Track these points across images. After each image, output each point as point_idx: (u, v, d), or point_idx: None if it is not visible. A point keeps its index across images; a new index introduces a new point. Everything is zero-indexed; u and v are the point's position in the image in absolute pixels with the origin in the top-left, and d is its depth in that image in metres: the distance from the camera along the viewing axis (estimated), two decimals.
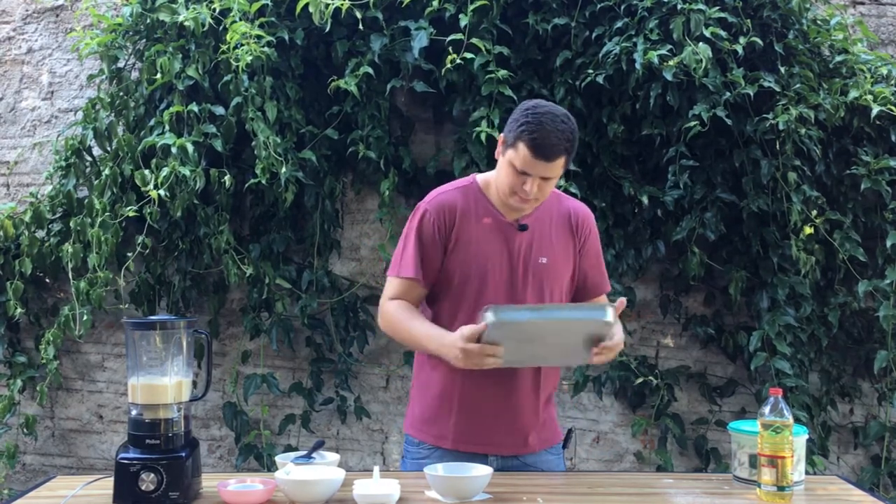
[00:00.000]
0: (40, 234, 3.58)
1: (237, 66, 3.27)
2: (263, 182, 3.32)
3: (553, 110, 2.17)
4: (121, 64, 3.62)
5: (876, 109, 3.25)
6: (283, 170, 3.32)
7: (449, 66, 3.28)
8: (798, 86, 3.32)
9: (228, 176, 3.37)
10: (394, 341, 3.64)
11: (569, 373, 3.61)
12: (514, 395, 2.27)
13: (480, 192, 2.31)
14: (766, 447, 1.98)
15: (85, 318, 3.39)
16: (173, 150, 3.27)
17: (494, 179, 2.28)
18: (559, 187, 3.36)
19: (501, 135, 2.22)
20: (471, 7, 3.30)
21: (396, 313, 2.27)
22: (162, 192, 3.25)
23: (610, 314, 2.05)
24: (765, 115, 3.30)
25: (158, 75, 3.38)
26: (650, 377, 3.48)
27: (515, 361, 2.16)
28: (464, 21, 3.29)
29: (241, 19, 3.31)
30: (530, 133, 2.12)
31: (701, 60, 3.18)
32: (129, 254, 3.45)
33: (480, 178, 2.35)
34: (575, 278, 2.36)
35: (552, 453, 2.37)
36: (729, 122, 3.29)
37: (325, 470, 2.06)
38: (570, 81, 3.43)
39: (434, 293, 2.32)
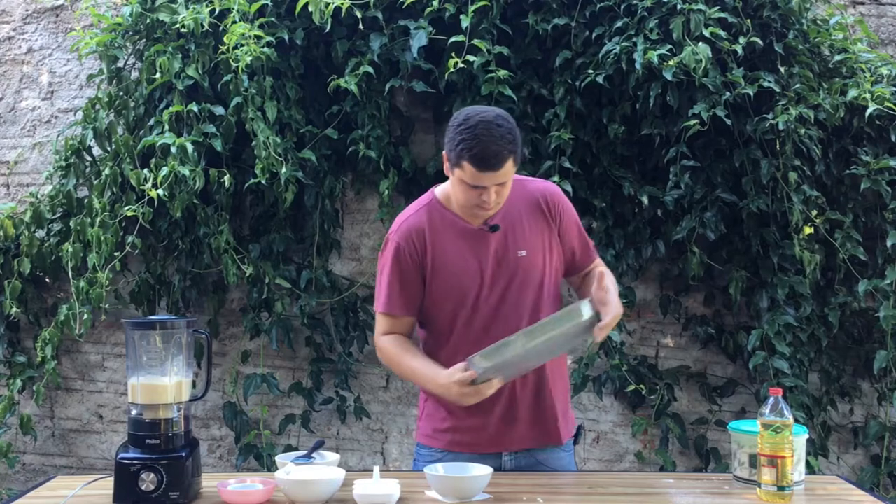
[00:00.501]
0: (40, 233, 3.58)
1: (237, 66, 3.27)
2: (263, 182, 3.32)
3: (485, 116, 2.11)
4: (120, 64, 3.62)
5: (871, 108, 3.24)
6: (283, 170, 3.32)
7: (451, 69, 3.28)
8: (798, 86, 3.32)
9: (228, 176, 3.37)
10: None
11: (568, 373, 3.61)
12: (530, 389, 2.27)
13: (442, 206, 2.29)
14: (766, 447, 1.98)
15: (85, 317, 3.39)
16: (173, 149, 3.27)
17: (452, 193, 2.25)
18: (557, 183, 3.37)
19: (444, 152, 2.19)
20: (471, 7, 3.30)
21: (391, 350, 2.29)
22: (161, 191, 3.25)
23: (586, 310, 2.04)
24: (765, 115, 3.30)
25: (158, 75, 3.38)
26: (641, 385, 3.47)
27: (517, 375, 2.19)
28: (465, 22, 3.29)
29: (240, 19, 3.31)
30: (470, 150, 2.08)
31: (701, 60, 3.18)
32: (125, 255, 3.44)
33: (439, 191, 2.32)
34: (561, 258, 2.34)
35: (565, 450, 2.37)
36: (729, 122, 3.28)
37: (325, 470, 2.06)
38: (570, 81, 3.43)
39: (426, 315, 2.31)
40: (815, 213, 3.37)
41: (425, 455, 2.34)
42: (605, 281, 2.14)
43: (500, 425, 2.27)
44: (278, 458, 2.25)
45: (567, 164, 3.39)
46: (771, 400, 1.99)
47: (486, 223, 2.25)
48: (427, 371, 2.21)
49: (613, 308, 2.10)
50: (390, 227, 2.33)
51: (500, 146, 2.08)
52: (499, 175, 2.11)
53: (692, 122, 3.24)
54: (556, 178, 3.37)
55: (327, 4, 3.30)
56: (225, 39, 3.28)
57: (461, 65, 3.27)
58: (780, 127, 3.24)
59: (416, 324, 2.34)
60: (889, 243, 3.33)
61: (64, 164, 3.55)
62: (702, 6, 3.27)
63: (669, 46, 3.26)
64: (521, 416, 2.27)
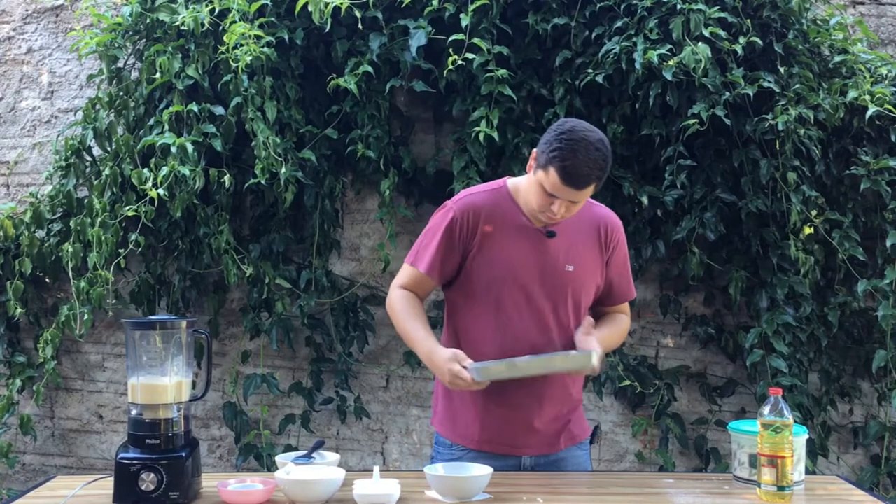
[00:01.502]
0: (40, 234, 3.58)
1: (237, 66, 3.27)
2: (263, 182, 3.32)
3: (588, 136, 2.13)
4: (120, 64, 3.62)
5: (872, 110, 3.25)
6: (283, 170, 3.32)
7: (450, 67, 3.28)
8: (798, 86, 3.32)
9: (228, 176, 3.37)
10: (394, 341, 3.65)
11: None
12: (542, 395, 2.28)
13: (510, 196, 2.31)
14: (766, 447, 1.98)
15: (85, 317, 3.39)
16: (173, 149, 3.27)
17: (524, 190, 2.27)
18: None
19: (535, 150, 2.21)
20: (471, 7, 3.30)
21: (401, 304, 2.32)
22: (161, 191, 3.25)
23: (595, 360, 2.14)
24: (764, 116, 3.30)
25: (158, 75, 3.38)
26: (635, 383, 3.47)
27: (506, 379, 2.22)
28: (465, 21, 3.29)
29: (240, 19, 3.31)
30: (562, 160, 2.10)
31: (700, 60, 3.18)
32: (125, 253, 3.44)
33: (511, 182, 2.35)
34: (601, 287, 2.37)
35: (581, 449, 2.38)
36: (728, 122, 3.29)
37: (325, 470, 2.06)
38: (569, 81, 3.43)
39: (456, 293, 2.34)
40: (814, 213, 3.37)
41: (445, 453, 2.34)
42: (608, 327, 2.32)
43: (522, 426, 2.28)
44: (278, 458, 2.25)
45: None
46: (771, 400, 1.99)
47: (545, 227, 2.27)
48: (427, 343, 2.23)
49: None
50: (454, 196, 2.37)
51: (591, 169, 2.11)
52: (579, 194, 2.15)
53: (691, 121, 3.24)
54: None
55: (327, 4, 3.30)
56: (225, 39, 3.28)
57: (460, 62, 3.27)
58: (780, 127, 3.24)
59: (431, 291, 2.39)
60: (889, 243, 3.33)
61: (64, 164, 3.55)
62: (702, 6, 3.27)
63: (669, 46, 3.26)
64: (539, 420, 2.29)
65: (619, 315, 2.46)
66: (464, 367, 2.13)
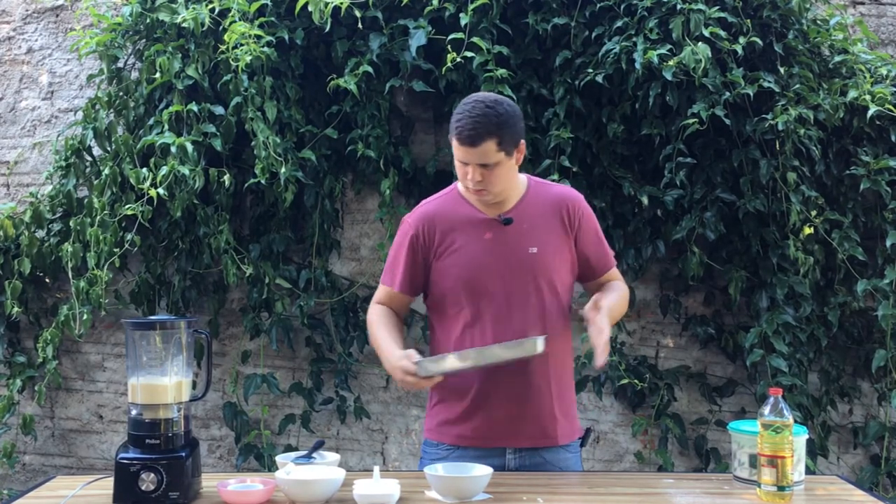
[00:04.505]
0: (40, 233, 3.58)
1: (237, 66, 3.27)
2: (263, 182, 3.32)
3: (482, 98, 2.23)
4: (120, 64, 3.62)
5: (873, 110, 3.25)
6: (283, 170, 3.32)
7: (449, 65, 3.28)
8: (798, 86, 3.32)
9: (228, 176, 3.37)
10: None
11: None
12: (530, 386, 2.28)
13: (460, 195, 2.37)
14: (766, 447, 1.98)
15: (85, 317, 3.39)
16: (172, 149, 3.27)
17: None
18: (555, 182, 3.37)
19: None
20: (470, 6, 3.30)
21: (373, 317, 2.41)
22: (161, 191, 3.25)
23: (540, 346, 2.15)
24: (764, 116, 3.30)
25: (158, 75, 3.38)
26: (640, 383, 3.46)
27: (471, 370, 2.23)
28: (464, 20, 3.29)
29: (240, 19, 3.31)
30: (456, 122, 2.21)
31: (700, 60, 3.18)
32: (124, 253, 3.44)
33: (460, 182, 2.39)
34: (575, 264, 2.38)
35: (570, 451, 2.37)
36: (728, 122, 3.29)
37: (325, 470, 2.06)
38: (569, 81, 3.43)
39: (433, 301, 2.39)
40: (814, 213, 3.37)
41: (431, 453, 2.36)
42: (604, 301, 2.23)
43: (504, 420, 2.28)
44: (278, 458, 2.25)
45: (566, 164, 3.39)
46: (771, 400, 1.99)
47: (499, 215, 2.30)
48: (386, 346, 2.30)
49: (605, 336, 2.18)
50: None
51: (480, 124, 2.17)
52: (477, 153, 2.19)
53: (691, 121, 3.24)
54: (555, 178, 3.37)
55: (326, 4, 3.30)
56: (225, 39, 3.28)
57: (459, 60, 3.27)
58: (780, 127, 3.24)
59: (408, 305, 2.46)
60: (888, 243, 3.33)
61: (64, 164, 3.55)
62: (702, 6, 3.27)
63: (669, 46, 3.26)
64: (524, 413, 2.28)
65: (612, 283, 2.46)
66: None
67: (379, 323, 2.38)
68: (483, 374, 2.26)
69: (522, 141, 2.28)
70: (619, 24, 3.36)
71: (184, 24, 3.35)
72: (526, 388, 2.28)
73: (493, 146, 2.19)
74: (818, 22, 3.53)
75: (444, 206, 2.36)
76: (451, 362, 2.17)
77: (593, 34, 3.41)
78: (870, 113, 3.25)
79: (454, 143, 2.22)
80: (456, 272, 2.30)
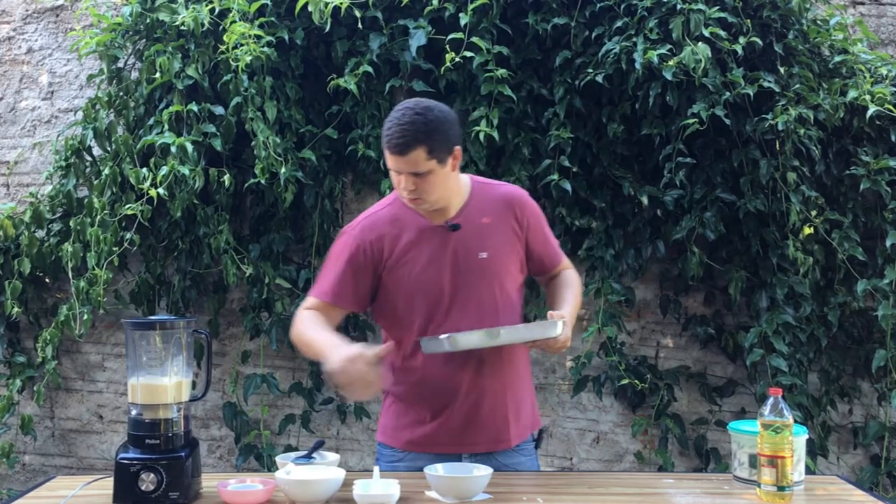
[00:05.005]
0: (40, 233, 3.58)
1: (237, 66, 3.27)
2: (263, 182, 3.32)
3: (412, 105, 2.15)
4: (120, 64, 3.62)
5: (872, 110, 3.25)
6: (283, 170, 3.32)
7: (448, 64, 3.28)
8: (798, 86, 3.32)
9: (228, 176, 3.37)
10: None
11: (569, 373, 3.61)
12: (485, 393, 2.25)
13: (403, 205, 2.27)
14: (766, 447, 1.98)
15: (85, 317, 3.39)
16: (173, 149, 3.27)
17: None
18: (552, 182, 3.37)
19: None
20: (470, 6, 3.30)
21: (303, 318, 2.26)
22: (161, 191, 3.25)
23: (560, 328, 2.15)
24: (764, 116, 3.30)
25: (158, 75, 3.38)
26: (640, 382, 3.46)
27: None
28: (464, 20, 3.29)
29: (240, 19, 3.31)
30: (385, 130, 2.14)
31: (700, 60, 3.18)
32: (124, 252, 3.44)
33: None
34: (525, 264, 2.36)
35: (523, 454, 2.34)
36: (728, 122, 3.29)
37: (325, 470, 2.06)
38: (569, 81, 3.43)
39: (385, 310, 2.31)
40: (814, 213, 3.37)
41: (387, 455, 2.34)
42: (566, 294, 2.30)
43: (460, 428, 2.25)
44: (278, 458, 2.25)
45: (566, 164, 3.39)
46: (771, 400, 1.99)
47: (446, 222, 2.25)
48: (326, 338, 2.15)
49: (567, 331, 2.20)
50: (351, 221, 2.34)
51: (407, 132, 2.10)
52: (407, 162, 2.12)
53: (691, 121, 3.24)
54: (555, 177, 3.37)
55: (327, 4, 3.30)
56: (225, 39, 3.28)
57: (458, 60, 3.27)
58: (780, 127, 3.24)
59: (341, 319, 2.34)
60: (888, 243, 3.33)
61: (64, 164, 3.55)
62: (702, 6, 3.27)
63: (669, 46, 3.26)
64: (479, 420, 2.26)
65: (563, 274, 2.44)
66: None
67: (310, 322, 2.24)
68: (441, 381, 2.23)
69: (458, 147, 2.19)
70: (619, 24, 3.36)
71: (182, 27, 3.35)
72: (481, 395, 2.25)
73: (422, 154, 2.10)
74: (818, 22, 3.53)
75: (389, 217, 2.27)
76: (480, 338, 2.10)
77: (593, 34, 3.41)
78: (870, 113, 3.25)
79: (386, 152, 2.15)
80: (408, 283, 2.23)
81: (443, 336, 2.11)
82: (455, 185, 2.26)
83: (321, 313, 2.27)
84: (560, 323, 2.15)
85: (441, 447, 2.26)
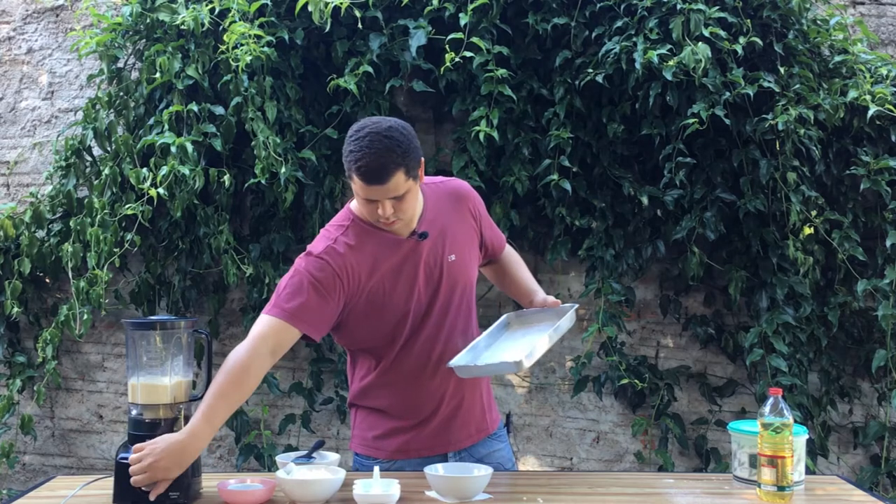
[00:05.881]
0: (40, 233, 3.58)
1: (237, 66, 3.27)
2: (263, 182, 3.32)
3: (375, 128, 2.03)
4: (120, 64, 3.62)
5: (873, 110, 3.25)
6: (283, 170, 3.32)
7: (448, 64, 3.28)
8: (798, 86, 3.32)
9: (228, 176, 3.37)
10: None
11: (569, 373, 3.61)
12: (464, 389, 2.27)
13: (364, 223, 2.18)
14: (766, 447, 1.98)
15: (85, 317, 3.39)
16: (173, 149, 3.27)
17: (358, 208, 2.18)
18: (552, 182, 3.37)
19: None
20: (470, 6, 3.30)
21: (246, 360, 2.05)
22: (161, 191, 3.25)
23: (573, 311, 2.24)
24: (764, 116, 3.30)
25: (158, 75, 3.38)
26: (640, 382, 3.46)
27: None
28: (464, 20, 3.29)
29: (240, 19, 3.31)
30: (356, 162, 2.01)
31: (700, 60, 3.18)
32: (124, 253, 3.44)
33: (355, 208, 2.21)
34: (479, 256, 2.39)
35: (499, 441, 2.37)
36: (728, 122, 3.29)
37: (325, 470, 2.06)
38: (569, 81, 3.43)
39: (357, 337, 2.23)
40: (814, 213, 3.37)
41: (369, 465, 2.25)
42: (524, 274, 2.44)
43: (444, 428, 2.26)
44: (278, 458, 2.25)
45: (566, 164, 3.39)
46: (771, 400, 1.99)
47: (414, 232, 2.19)
48: (197, 418, 1.99)
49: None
50: (312, 243, 2.19)
51: (386, 159, 2.00)
52: (387, 189, 2.03)
53: (691, 121, 3.24)
54: (555, 177, 3.37)
55: (327, 4, 3.30)
56: (225, 39, 3.28)
57: (458, 60, 3.27)
58: (780, 127, 3.24)
59: (293, 342, 2.13)
60: (888, 243, 3.33)
61: (64, 164, 3.55)
62: (702, 6, 3.27)
63: (669, 46, 3.26)
64: (462, 415, 2.27)
65: (509, 256, 2.50)
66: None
67: (229, 377, 2.02)
68: (428, 390, 2.23)
69: (422, 158, 2.12)
70: (619, 24, 3.36)
71: (182, 27, 3.35)
72: (463, 393, 2.27)
73: (402, 177, 2.03)
74: (818, 22, 3.53)
75: (357, 242, 2.15)
76: (547, 343, 2.10)
77: (593, 34, 3.41)
78: (870, 113, 3.25)
79: (358, 183, 2.03)
80: (387, 301, 2.16)
81: (519, 358, 2.02)
82: (419, 196, 2.21)
83: (282, 340, 2.08)
84: (572, 307, 2.23)
85: (428, 450, 2.26)
